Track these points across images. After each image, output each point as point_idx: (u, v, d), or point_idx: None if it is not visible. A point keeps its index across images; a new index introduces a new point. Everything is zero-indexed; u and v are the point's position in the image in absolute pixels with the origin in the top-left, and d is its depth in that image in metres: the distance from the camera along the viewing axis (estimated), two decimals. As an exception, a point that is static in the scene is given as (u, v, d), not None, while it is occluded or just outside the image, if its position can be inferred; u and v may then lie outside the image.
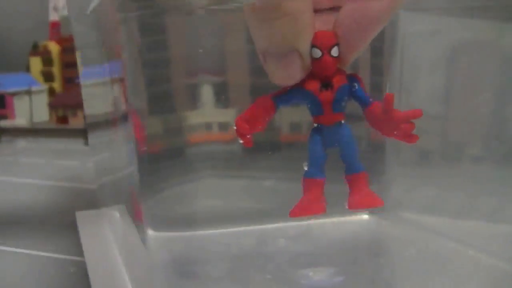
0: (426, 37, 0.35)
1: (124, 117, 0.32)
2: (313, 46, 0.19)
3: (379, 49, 0.36)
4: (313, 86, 0.20)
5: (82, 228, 0.43)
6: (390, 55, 0.36)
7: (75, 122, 0.95)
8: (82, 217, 0.46)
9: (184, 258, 0.34)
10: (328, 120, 0.20)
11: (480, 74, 0.34)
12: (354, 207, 0.21)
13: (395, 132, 0.20)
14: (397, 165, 0.38)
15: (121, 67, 0.31)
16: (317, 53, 0.19)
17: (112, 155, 0.40)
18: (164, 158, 0.36)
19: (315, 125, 0.21)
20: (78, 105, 0.95)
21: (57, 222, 0.48)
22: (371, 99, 0.21)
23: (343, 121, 0.21)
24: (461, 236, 0.32)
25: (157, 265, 0.32)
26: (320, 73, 0.20)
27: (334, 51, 0.19)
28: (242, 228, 0.36)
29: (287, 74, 0.19)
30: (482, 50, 0.33)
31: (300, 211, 0.21)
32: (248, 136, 0.20)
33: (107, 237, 0.41)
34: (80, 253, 0.38)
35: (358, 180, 0.21)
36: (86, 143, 0.92)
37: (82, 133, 0.92)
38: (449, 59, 0.35)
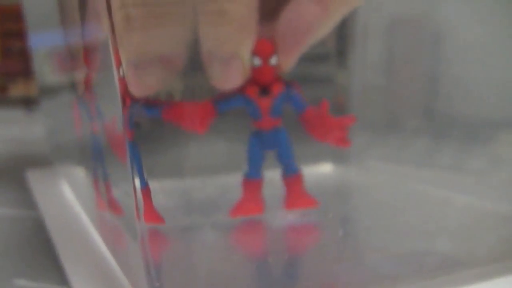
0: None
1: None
2: (253, 54, 0.20)
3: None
4: (253, 92, 0.21)
5: (34, 183, 0.41)
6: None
7: (15, 91, 0.91)
8: (33, 174, 0.44)
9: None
10: (267, 125, 0.21)
11: (416, 48, 0.34)
12: (290, 208, 0.23)
13: (328, 138, 0.21)
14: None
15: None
16: (257, 61, 0.20)
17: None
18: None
19: (254, 129, 0.22)
20: (18, 74, 0.91)
21: (4, 180, 0.45)
22: (306, 105, 0.22)
23: (280, 126, 0.22)
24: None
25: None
26: (259, 80, 0.21)
27: (273, 60, 0.20)
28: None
29: (228, 78, 0.20)
30: (417, 24, 0.34)
31: (239, 211, 0.22)
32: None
33: (61, 190, 0.39)
34: (34, 207, 0.36)
35: (294, 181, 0.22)
36: (29, 112, 0.88)
37: (24, 102, 0.88)
38: (388, 32, 0.36)
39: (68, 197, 0.37)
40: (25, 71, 0.90)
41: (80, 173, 0.34)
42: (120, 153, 0.20)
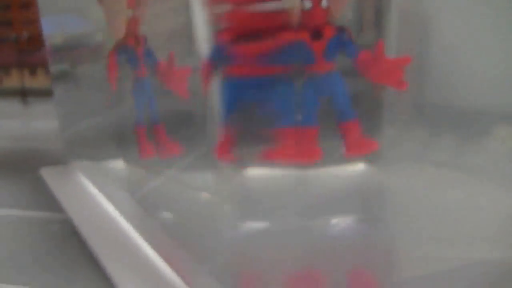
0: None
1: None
2: None
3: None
4: (305, 35, 0.20)
5: (51, 182, 0.38)
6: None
7: (9, 82, 0.87)
8: (49, 173, 0.41)
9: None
10: (321, 68, 0.21)
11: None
12: (352, 152, 0.22)
13: (385, 79, 0.21)
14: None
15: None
16: (308, 3, 0.20)
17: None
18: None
19: (308, 74, 0.21)
20: (11, 65, 0.88)
21: (17, 179, 0.42)
22: (360, 49, 0.21)
23: (334, 70, 0.21)
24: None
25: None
26: (311, 23, 0.20)
27: (324, 2, 0.20)
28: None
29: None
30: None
31: (297, 156, 0.21)
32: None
33: (83, 186, 0.36)
34: (57, 209, 0.33)
35: (352, 127, 0.21)
36: (24, 103, 0.85)
37: (19, 93, 0.85)
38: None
39: (92, 194, 0.35)
40: (19, 61, 0.86)
41: (108, 156, 0.32)
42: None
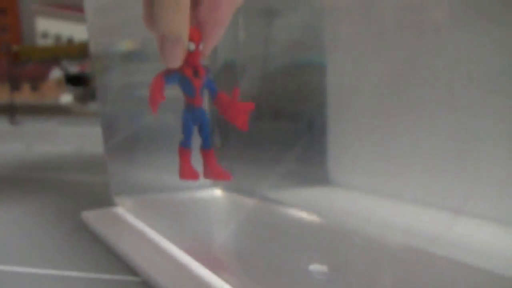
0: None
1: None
2: (190, 40, 0.24)
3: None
4: (189, 73, 0.24)
5: (104, 233, 0.34)
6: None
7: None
8: (94, 219, 0.37)
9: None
10: (197, 102, 0.25)
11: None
12: (206, 177, 0.25)
13: (234, 120, 0.25)
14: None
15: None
16: (192, 46, 0.24)
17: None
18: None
19: (188, 105, 0.25)
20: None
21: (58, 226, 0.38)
22: (218, 90, 0.25)
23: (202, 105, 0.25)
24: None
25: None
26: (192, 63, 0.24)
27: (201, 46, 0.24)
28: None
29: (175, 57, 0.24)
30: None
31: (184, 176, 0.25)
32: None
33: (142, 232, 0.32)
34: (123, 268, 0.30)
35: (209, 155, 0.25)
36: (13, 122, 0.79)
37: (7, 111, 0.79)
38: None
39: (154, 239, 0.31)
40: (10, 74, 0.80)
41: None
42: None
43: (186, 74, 0.24)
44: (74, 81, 1.14)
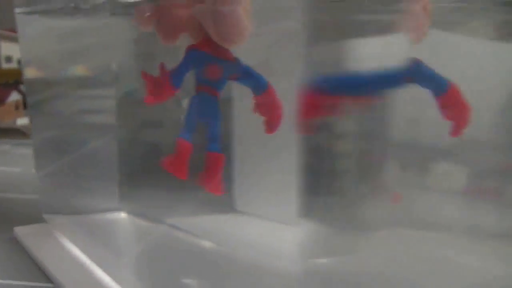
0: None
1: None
2: None
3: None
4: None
5: (31, 246, 0.38)
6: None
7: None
8: (25, 234, 0.41)
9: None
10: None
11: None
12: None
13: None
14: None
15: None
16: None
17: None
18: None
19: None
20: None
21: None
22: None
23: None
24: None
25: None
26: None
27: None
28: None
29: (238, 29, 0.20)
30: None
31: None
32: None
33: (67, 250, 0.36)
34: (40, 276, 0.34)
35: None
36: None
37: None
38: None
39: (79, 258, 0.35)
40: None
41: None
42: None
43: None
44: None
